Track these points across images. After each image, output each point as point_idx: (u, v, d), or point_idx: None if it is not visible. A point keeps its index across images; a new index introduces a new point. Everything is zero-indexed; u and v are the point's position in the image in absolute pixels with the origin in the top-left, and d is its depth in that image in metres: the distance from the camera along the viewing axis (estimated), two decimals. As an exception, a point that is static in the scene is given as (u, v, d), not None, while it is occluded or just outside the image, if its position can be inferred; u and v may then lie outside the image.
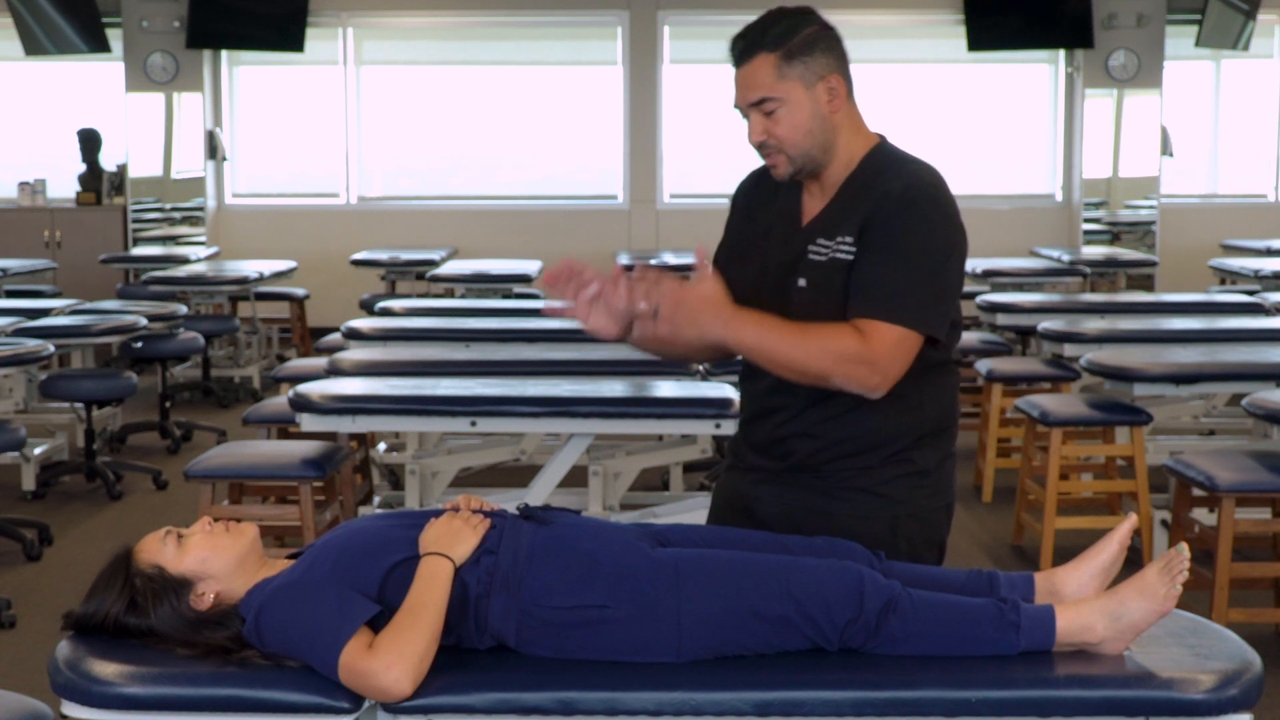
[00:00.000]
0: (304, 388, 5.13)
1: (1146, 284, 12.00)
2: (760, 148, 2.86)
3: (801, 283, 2.82)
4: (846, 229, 2.80)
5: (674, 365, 5.69)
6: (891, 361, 2.72)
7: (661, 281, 2.71)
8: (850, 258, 2.78)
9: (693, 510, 5.58)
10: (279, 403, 5.98)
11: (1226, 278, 10.70)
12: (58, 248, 12.41)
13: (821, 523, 2.83)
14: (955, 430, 2.95)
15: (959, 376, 3.00)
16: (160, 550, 2.70)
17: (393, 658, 2.46)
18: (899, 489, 2.86)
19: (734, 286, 2.92)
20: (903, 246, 2.75)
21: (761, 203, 2.99)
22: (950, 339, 2.87)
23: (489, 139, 13.29)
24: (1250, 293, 8.73)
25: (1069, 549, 5.44)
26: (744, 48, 2.83)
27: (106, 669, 2.53)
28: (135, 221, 12.61)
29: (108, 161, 12.84)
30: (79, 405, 7.55)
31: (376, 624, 2.53)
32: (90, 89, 13.19)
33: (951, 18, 12.63)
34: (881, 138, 2.92)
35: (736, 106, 2.87)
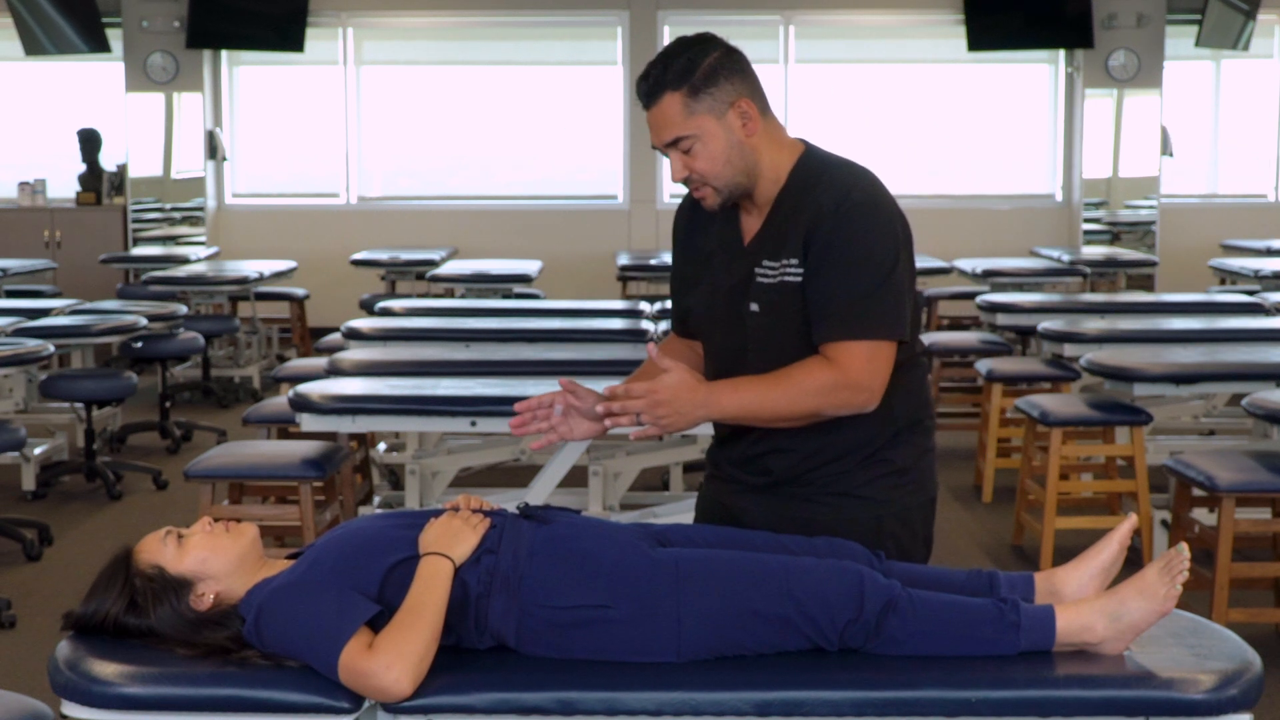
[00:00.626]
0: (304, 388, 5.13)
1: (1146, 284, 12.00)
2: (685, 183, 2.85)
3: (754, 307, 2.82)
4: (790, 249, 2.79)
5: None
6: (872, 376, 2.74)
7: (630, 394, 2.71)
8: (799, 279, 2.77)
9: (692, 510, 5.56)
10: (279, 403, 5.99)
11: (1226, 278, 10.70)
12: (58, 248, 12.41)
13: (807, 531, 2.83)
14: (930, 424, 2.95)
15: (926, 368, 3.01)
16: (160, 550, 2.70)
17: (393, 657, 2.46)
18: (879, 490, 2.86)
19: (689, 314, 2.96)
20: (849, 260, 2.74)
21: (700, 228, 2.98)
22: (911, 335, 2.86)
23: (489, 139, 13.29)
24: (1250, 293, 8.73)
25: (1069, 549, 5.44)
26: (648, 89, 2.80)
27: (106, 669, 2.54)
28: (135, 221, 12.61)
29: (108, 161, 12.84)
30: (79, 405, 7.55)
31: (376, 624, 2.53)
32: (90, 89, 13.19)
33: (951, 18, 12.63)
34: (805, 144, 2.90)
35: (654, 147, 2.85)
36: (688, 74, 2.77)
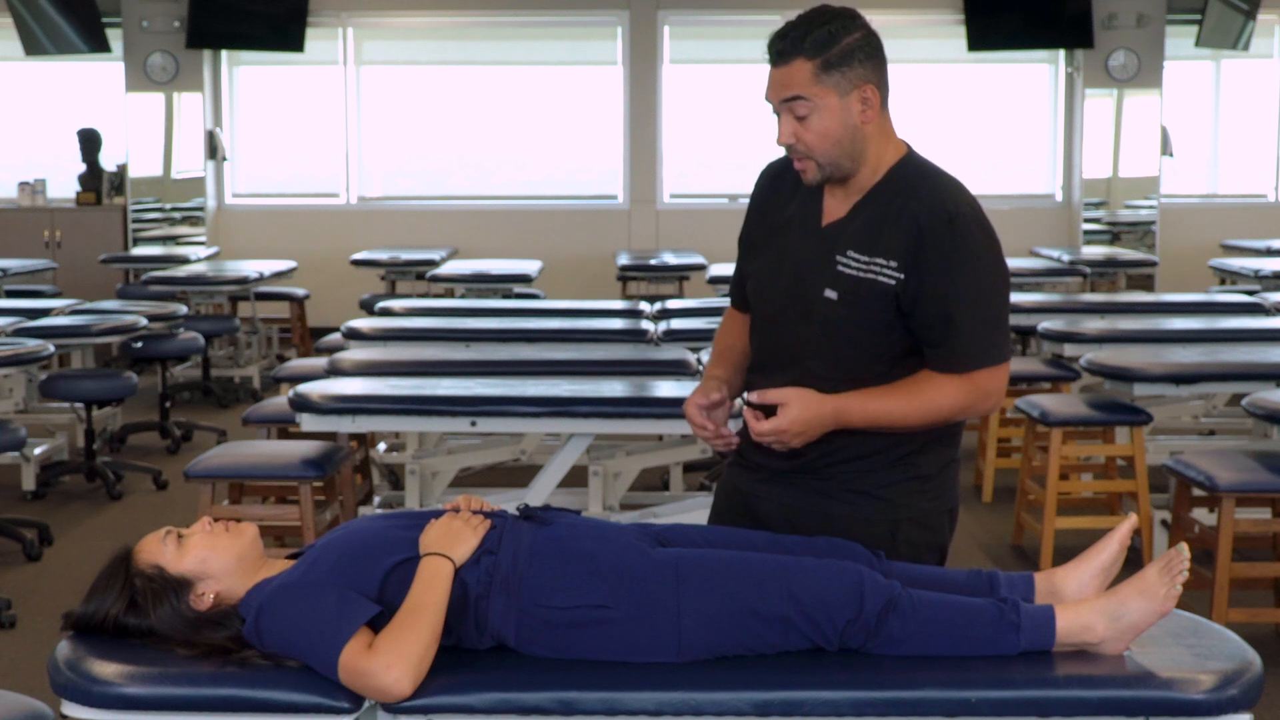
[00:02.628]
0: (304, 388, 5.13)
1: (1146, 284, 12.00)
2: (789, 150, 2.84)
3: (831, 294, 2.81)
4: (886, 249, 2.78)
5: (673, 365, 5.70)
6: (1001, 391, 2.85)
7: (760, 434, 2.77)
8: (893, 283, 2.77)
9: (693, 510, 5.58)
10: (279, 403, 5.98)
11: (1226, 278, 10.70)
12: (58, 248, 12.41)
13: (821, 524, 2.83)
14: (959, 435, 2.96)
15: None
16: (160, 550, 2.70)
17: (393, 657, 2.46)
18: (900, 493, 2.86)
19: (750, 279, 2.95)
20: (974, 286, 2.78)
21: (780, 197, 2.97)
22: None
23: (489, 139, 13.29)
24: (1250, 293, 8.73)
25: (1069, 549, 5.44)
26: (782, 49, 2.78)
27: (106, 669, 2.53)
28: (135, 221, 12.61)
29: (108, 161, 12.84)
30: (79, 405, 7.55)
31: (376, 624, 2.53)
32: (90, 89, 13.19)
33: (952, 18, 12.63)
34: (909, 147, 2.91)
35: (768, 100, 2.84)
36: (826, 46, 2.76)
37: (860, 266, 2.80)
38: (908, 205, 2.79)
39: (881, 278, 2.78)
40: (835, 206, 2.88)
